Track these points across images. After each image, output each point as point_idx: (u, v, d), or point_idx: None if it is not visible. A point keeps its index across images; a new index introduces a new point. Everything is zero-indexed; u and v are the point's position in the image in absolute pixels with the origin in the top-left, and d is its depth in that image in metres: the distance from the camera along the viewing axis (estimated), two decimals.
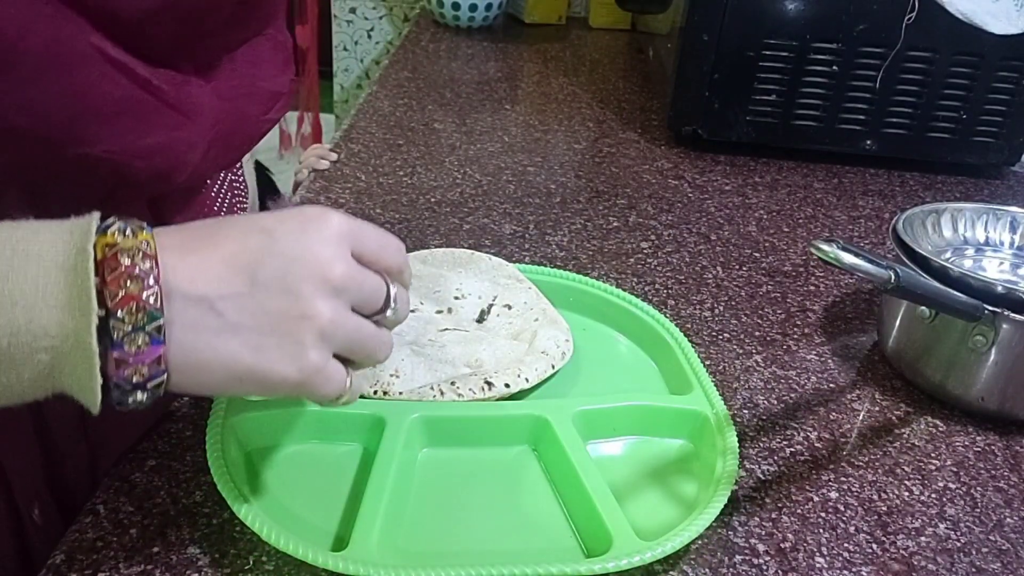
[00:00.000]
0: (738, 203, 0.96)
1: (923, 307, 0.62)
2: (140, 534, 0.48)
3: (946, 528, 0.53)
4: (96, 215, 0.36)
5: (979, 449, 0.60)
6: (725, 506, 0.50)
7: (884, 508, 0.54)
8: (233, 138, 0.54)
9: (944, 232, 0.71)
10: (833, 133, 1.06)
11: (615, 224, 0.88)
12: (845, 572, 0.49)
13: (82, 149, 0.44)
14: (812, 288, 0.79)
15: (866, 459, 0.58)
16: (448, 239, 0.82)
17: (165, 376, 0.36)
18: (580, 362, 0.64)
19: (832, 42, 1.01)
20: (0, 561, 0.53)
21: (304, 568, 0.46)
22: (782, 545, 0.50)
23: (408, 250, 0.45)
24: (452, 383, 0.57)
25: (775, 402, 0.63)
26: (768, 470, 0.56)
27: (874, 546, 0.51)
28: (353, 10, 2.05)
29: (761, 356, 0.68)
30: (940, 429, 0.62)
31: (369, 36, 2.07)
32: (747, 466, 0.56)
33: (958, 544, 0.52)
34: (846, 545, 0.51)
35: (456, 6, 1.58)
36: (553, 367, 0.61)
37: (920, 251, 0.63)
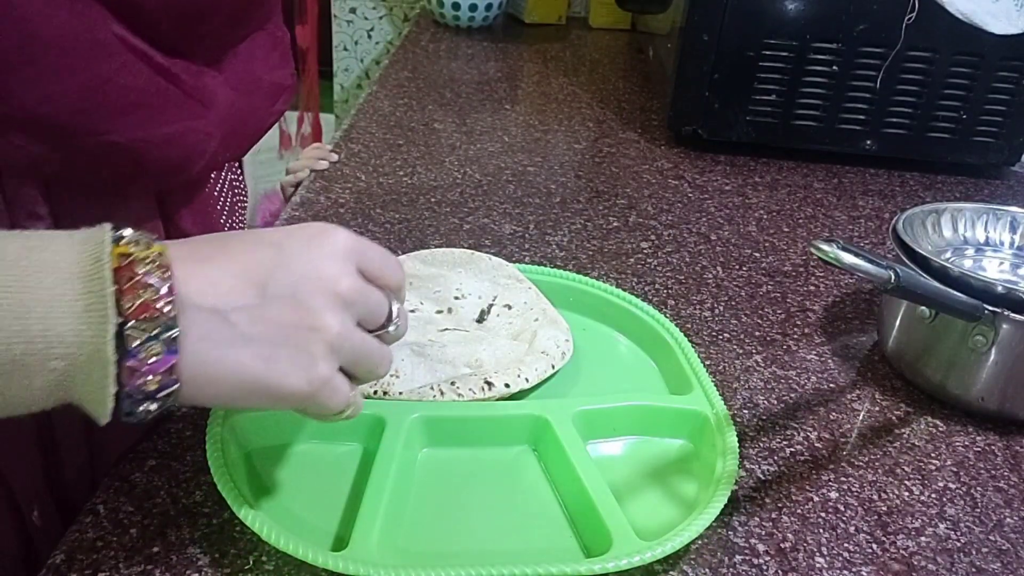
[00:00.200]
0: (738, 203, 0.96)
1: (923, 307, 0.62)
2: (140, 534, 0.48)
3: (946, 528, 0.53)
4: (108, 226, 0.36)
5: (979, 449, 0.60)
6: (725, 506, 0.50)
7: (884, 508, 0.54)
8: (243, 129, 0.55)
9: (944, 232, 0.71)
10: (833, 133, 1.06)
11: (615, 224, 0.88)
12: (845, 572, 0.49)
13: (102, 138, 0.44)
14: (812, 288, 0.79)
15: (866, 459, 0.58)
16: (448, 239, 0.82)
17: (177, 386, 0.36)
18: (580, 362, 0.64)
19: (832, 42, 1.01)
20: (1, 561, 0.53)
21: (304, 568, 0.46)
22: (782, 545, 0.50)
23: (408, 250, 0.45)
24: (452, 383, 0.57)
25: (775, 402, 0.63)
26: (768, 470, 0.56)
27: (874, 546, 0.51)
28: (353, 10, 2.05)
29: (761, 356, 0.68)
30: (940, 429, 0.62)
31: (369, 36, 2.07)
32: (747, 466, 0.56)
33: (958, 544, 0.52)
34: (846, 545, 0.51)
35: (456, 6, 1.58)
36: (553, 367, 0.61)
37: (920, 251, 0.63)
